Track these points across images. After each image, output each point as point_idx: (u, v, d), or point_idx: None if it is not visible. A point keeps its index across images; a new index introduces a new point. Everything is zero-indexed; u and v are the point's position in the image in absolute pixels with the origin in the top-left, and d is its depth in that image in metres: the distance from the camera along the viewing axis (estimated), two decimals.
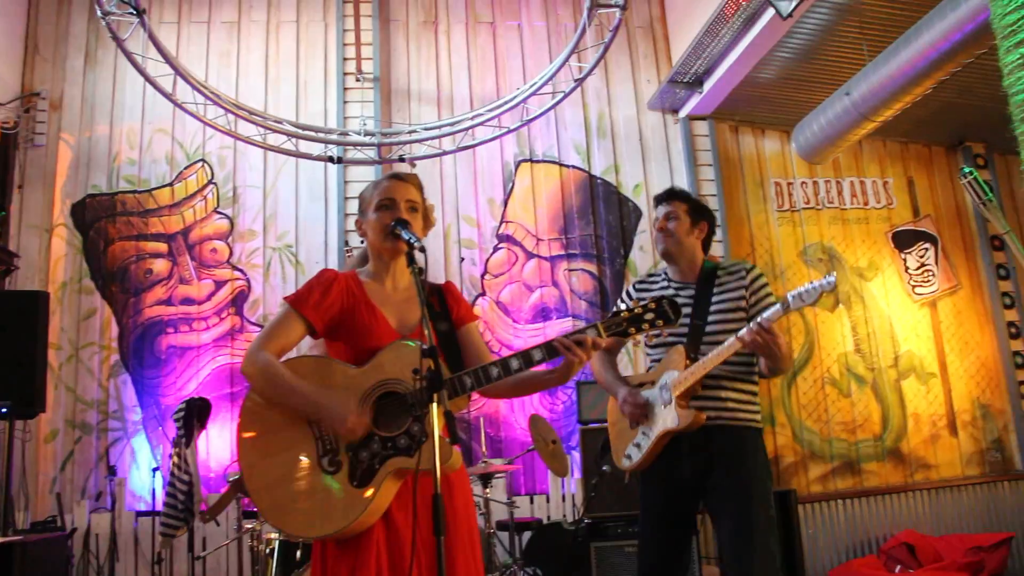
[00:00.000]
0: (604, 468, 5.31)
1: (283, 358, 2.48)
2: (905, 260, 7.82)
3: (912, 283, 7.77)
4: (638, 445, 3.30)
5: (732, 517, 3.12)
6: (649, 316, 2.45)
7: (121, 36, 5.85)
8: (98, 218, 6.93)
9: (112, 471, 6.27)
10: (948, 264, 7.90)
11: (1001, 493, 7.28)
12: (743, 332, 3.07)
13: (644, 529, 3.33)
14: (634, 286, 3.59)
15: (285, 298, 2.55)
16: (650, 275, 3.65)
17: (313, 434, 2.38)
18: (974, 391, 7.63)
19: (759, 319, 3.04)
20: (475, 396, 2.54)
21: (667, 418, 3.19)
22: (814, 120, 6.65)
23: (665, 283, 3.49)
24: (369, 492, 2.30)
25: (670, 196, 3.53)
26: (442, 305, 2.69)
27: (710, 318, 3.30)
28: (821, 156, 6.91)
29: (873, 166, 8.00)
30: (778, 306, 3.06)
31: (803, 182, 7.77)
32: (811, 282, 3.00)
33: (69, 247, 6.84)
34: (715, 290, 3.36)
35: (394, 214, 2.55)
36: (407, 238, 2.43)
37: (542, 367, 2.45)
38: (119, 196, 7.00)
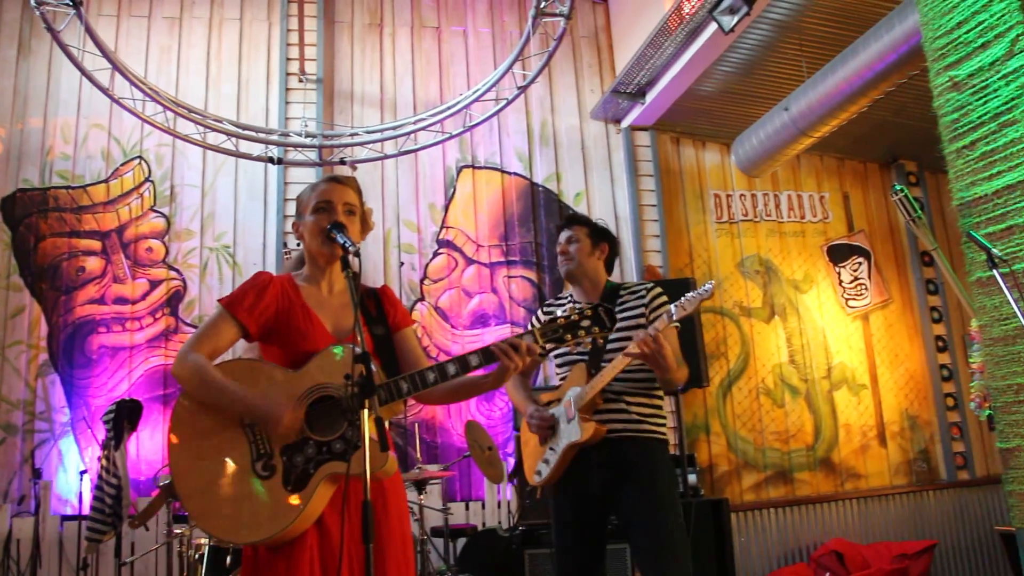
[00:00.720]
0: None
1: (216, 361, 2.44)
2: (839, 273, 7.99)
3: (845, 296, 7.94)
4: (547, 461, 3.38)
5: (646, 528, 3.22)
6: (585, 323, 2.46)
7: (56, 27, 5.70)
8: (28, 213, 6.75)
9: (37, 474, 6.08)
10: (880, 278, 8.08)
11: (926, 502, 7.47)
12: (631, 344, 3.17)
13: (559, 542, 3.40)
14: (542, 308, 3.70)
15: (219, 300, 2.51)
16: (556, 297, 3.75)
17: (247, 438, 2.35)
18: (903, 403, 7.82)
19: (647, 330, 3.15)
20: (411, 401, 2.53)
21: (571, 432, 3.29)
22: (753, 134, 6.78)
23: (572, 303, 3.52)
24: (303, 497, 2.27)
25: (570, 221, 3.66)
26: (378, 309, 2.67)
27: (610, 335, 3.33)
28: (760, 169, 7.04)
29: (810, 180, 8.16)
30: (663, 316, 3.20)
31: (742, 194, 7.89)
32: (690, 292, 3.15)
33: None
34: (616, 309, 3.43)
35: (330, 217, 2.53)
36: (342, 242, 2.41)
37: (478, 372, 2.45)
38: (51, 191, 6.82)
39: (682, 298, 3.16)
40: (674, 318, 3.16)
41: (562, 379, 3.51)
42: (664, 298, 3.46)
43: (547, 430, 3.38)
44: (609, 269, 3.66)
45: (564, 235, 3.60)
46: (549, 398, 3.50)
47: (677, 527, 3.23)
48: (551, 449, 3.37)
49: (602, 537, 3.39)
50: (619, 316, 3.40)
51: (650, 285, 3.52)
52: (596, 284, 3.56)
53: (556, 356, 3.56)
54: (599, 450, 3.28)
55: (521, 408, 3.53)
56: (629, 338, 3.30)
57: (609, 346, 3.37)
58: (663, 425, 3.44)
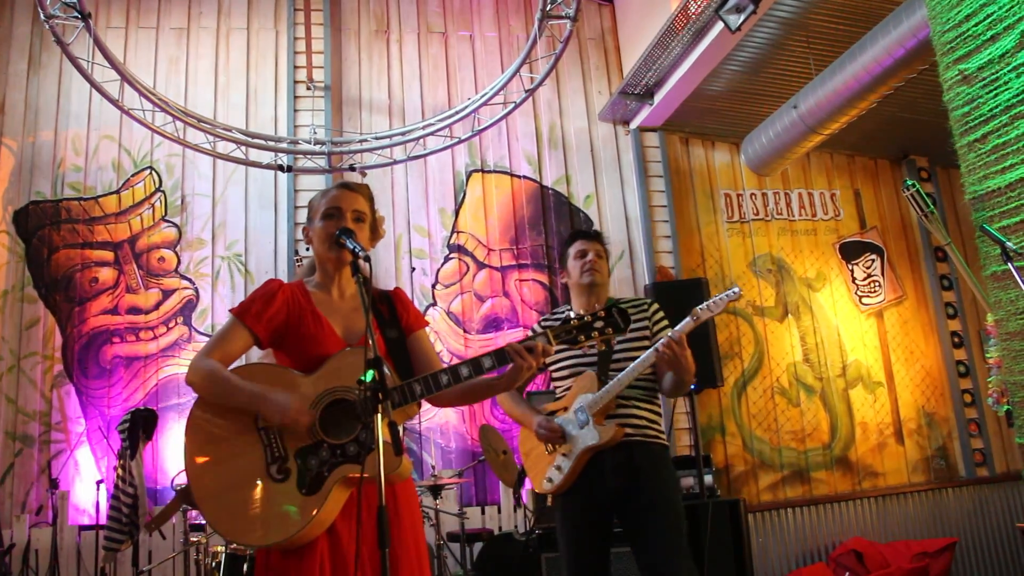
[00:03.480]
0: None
1: (230, 368, 2.45)
2: (852, 271, 7.95)
3: (859, 294, 7.90)
4: (559, 467, 3.46)
5: (660, 531, 3.31)
6: (599, 324, 2.47)
7: (66, 40, 5.73)
8: (41, 225, 6.79)
9: (54, 484, 6.12)
10: (894, 275, 8.04)
11: (945, 500, 7.41)
12: (658, 344, 3.27)
13: (570, 547, 3.46)
14: (540, 324, 3.80)
15: (230, 309, 2.53)
16: (554, 312, 3.92)
17: (261, 442, 2.36)
18: (919, 400, 7.76)
19: (671, 332, 3.28)
20: (426, 406, 2.53)
21: (587, 437, 3.40)
22: (763, 132, 6.75)
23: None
24: (318, 500, 2.27)
25: (597, 236, 3.80)
26: (391, 312, 2.67)
27: (617, 347, 3.52)
28: (770, 168, 7.01)
29: (821, 178, 8.13)
30: (688, 318, 3.31)
31: (752, 193, 7.86)
32: (717, 294, 3.29)
33: (11, 255, 6.69)
34: None
35: (339, 223, 2.53)
36: (351, 247, 2.41)
37: (491, 373, 2.45)
38: (63, 203, 6.87)
39: (709, 300, 3.29)
40: (700, 319, 3.28)
41: (565, 391, 3.61)
42: (663, 314, 3.65)
43: (557, 439, 3.46)
44: None
45: (592, 247, 3.71)
46: (554, 407, 3.60)
47: (685, 531, 3.36)
48: (563, 456, 3.45)
49: (610, 540, 3.48)
50: None
51: (649, 301, 3.69)
52: (602, 299, 3.68)
53: (555, 368, 3.69)
54: (613, 453, 3.38)
55: (524, 420, 3.64)
56: (634, 347, 3.49)
57: (616, 355, 3.49)
58: (663, 431, 3.56)
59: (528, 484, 6.32)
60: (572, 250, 3.73)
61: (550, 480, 3.48)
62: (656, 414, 3.54)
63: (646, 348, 3.41)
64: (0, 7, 7.18)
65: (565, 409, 3.53)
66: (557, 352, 3.60)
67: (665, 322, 3.60)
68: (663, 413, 3.68)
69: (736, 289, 3.27)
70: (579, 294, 3.71)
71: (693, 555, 3.44)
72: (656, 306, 3.66)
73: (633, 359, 3.38)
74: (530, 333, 3.71)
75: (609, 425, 3.36)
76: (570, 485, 3.44)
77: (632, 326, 3.49)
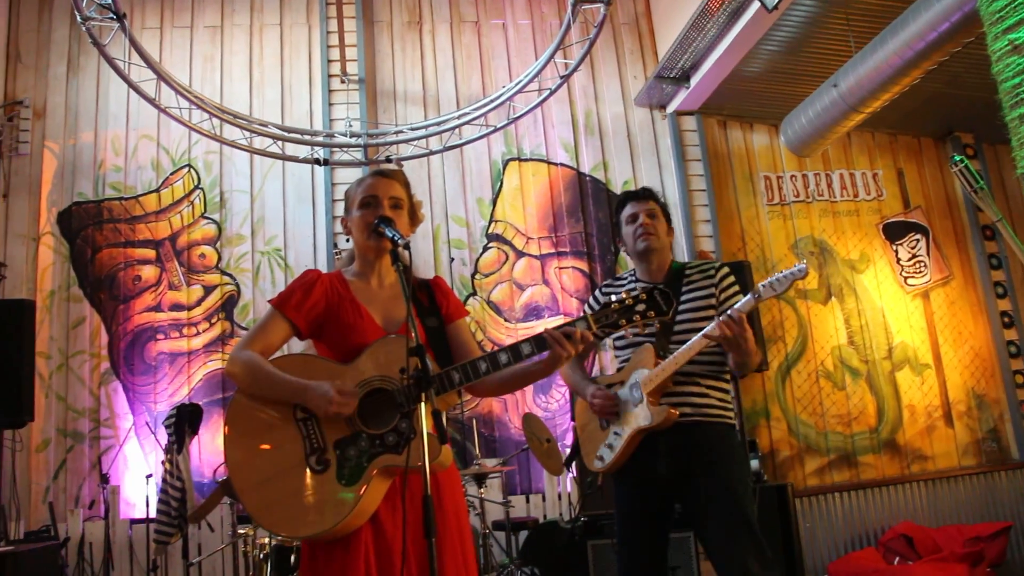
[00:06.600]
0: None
1: (269, 359, 2.45)
2: (896, 251, 7.81)
3: (904, 274, 7.76)
4: (610, 446, 3.24)
5: (720, 516, 3.08)
6: (640, 307, 2.37)
7: (102, 41, 5.80)
8: (85, 226, 6.89)
9: (105, 479, 6.23)
10: (940, 255, 7.89)
11: (998, 483, 7.26)
12: (711, 326, 3.05)
13: (622, 533, 3.27)
14: (601, 289, 3.56)
15: (269, 300, 2.53)
16: (617, 277, 3.60)
17: (300, 433, 2.36)
18: (969, 381, 7.61)
19: (729, 311, 3.02)
20: (468, 395, 2.51)
21: (639, 416, 3.16)
22: (802, 113, 6.64)
23: (633, 283, 3.43)
24: (358, 490, 2.26)
25: (649, 195, 3.49)
26: (431, 301, 2.65)
27: (679, 316, 3.26)
28: (810, 149, 6.89)
29: (862, 158, 7.99)
30: (749, 296, 3.06)
31: (792, 175, 7.75)
32: (781, 271, 3.01)
33: (56, 255, 6.79)
34: (684, 288, 3.33)
35: (376, 212, 2.52)
36: (391, 235, 2.39)
37: (530, 360, 2.41)
38: (105, 203, 6.96)
39: (772, 277, 3.03)
40: (762, 298, 3.04)
41: (624, 362, 3.37)
42: (733, 278, 3.36)
43: (611, 412, 3.24)
44: None
45: (643, 207, 3.42)
46: (611, 381, 3.34)
47: (752, 514, 3.09)
48: (615, 433, 3.23)
49: (666, 527, 3.26)
50: (687, 296, 3.31)
51: (718, 265, 3.40)
52: (663, 264, 3.43)
53: (617, 339, 3.42)
54: (668, 436, 3.14)
55: (579, 389, 3.41)
56: (699, 318, 3.22)
57: (678, 327, 3.24)
58: (731, 410, 3.31)
59: (573, 470, 6.30)
60: (623, 216, 3.46)
61: (601, 459, 3.26)
62: (721, 391, 3.26)
63: (711, 318, 3.15)
64: (39, 12, 7.28)
65: (622, 383, 3.26)
66: None
67: (735, 288, 3.33)
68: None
69: (801, 266, 2.99)
70: (638, 262, 3.45)
71: None
72: (725, 270, 3.37)
73: (697, 329, 3.13)
74: (587, 304, 3.53)
75: (662, 407, 3.10)
76: (621, 466, 3.22)
77: (696, 293, 3.31)
